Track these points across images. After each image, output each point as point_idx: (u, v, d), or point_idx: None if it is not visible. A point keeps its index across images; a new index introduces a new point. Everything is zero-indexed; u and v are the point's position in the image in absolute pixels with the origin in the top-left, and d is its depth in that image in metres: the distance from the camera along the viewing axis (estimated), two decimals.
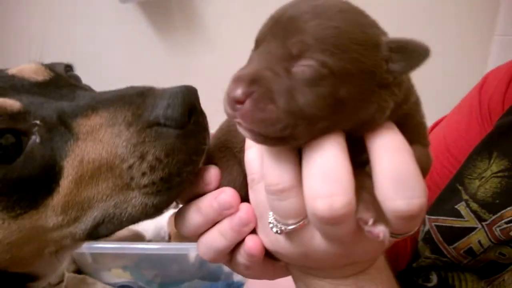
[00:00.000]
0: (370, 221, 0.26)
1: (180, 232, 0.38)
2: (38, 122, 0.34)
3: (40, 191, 0.33)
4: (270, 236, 0.33)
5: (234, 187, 0.35)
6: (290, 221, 0.30)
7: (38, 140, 0.33)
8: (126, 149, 0.34)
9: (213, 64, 1.52)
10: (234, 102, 0.25)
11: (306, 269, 0.36)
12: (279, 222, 0.30)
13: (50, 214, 0.34)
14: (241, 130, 0.27)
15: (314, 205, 0.26)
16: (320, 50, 0.24)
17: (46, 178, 0.33)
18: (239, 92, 0.25)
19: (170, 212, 1.18)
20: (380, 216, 0.26)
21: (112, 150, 0.34)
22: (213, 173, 0.35)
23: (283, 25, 0.25)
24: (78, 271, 1.26)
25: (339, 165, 0.26)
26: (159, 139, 0.33)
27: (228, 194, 0.34)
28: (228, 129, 0.37)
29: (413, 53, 0.26)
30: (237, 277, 1.22)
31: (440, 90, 1.51)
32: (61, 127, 0.34)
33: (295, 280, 0.38)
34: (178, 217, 0.38)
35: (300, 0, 0.26)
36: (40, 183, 0.33)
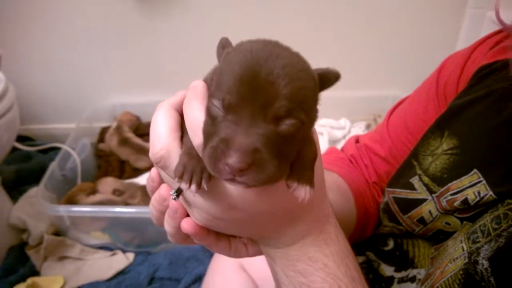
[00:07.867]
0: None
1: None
2: None
3: None
4: (194, 215, 0.38)
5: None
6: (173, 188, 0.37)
7: None
8: None
9: (188, 26, 1.50)
10: (237, 171, 0.28)
11: (262, 242, 0.41)
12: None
13: None
14: (234, 184, 0.30)
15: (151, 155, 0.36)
16: (301, 110, 0.30)
17: None
18: (244, 165, 0.28)
19: None
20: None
21: None
22: (153, 173, 0.41)
23: (262, 89, 0.28)
24: (57, 233, 1.28)
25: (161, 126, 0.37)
26: None
27: (163, 189, 0.40)
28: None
29: (331, 79, 0.33)
30: None
31: (412, 62, 1.54)
32: None
33: (264, 254, 0.43)
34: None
35: (265, 58, 0.29)
36: None
